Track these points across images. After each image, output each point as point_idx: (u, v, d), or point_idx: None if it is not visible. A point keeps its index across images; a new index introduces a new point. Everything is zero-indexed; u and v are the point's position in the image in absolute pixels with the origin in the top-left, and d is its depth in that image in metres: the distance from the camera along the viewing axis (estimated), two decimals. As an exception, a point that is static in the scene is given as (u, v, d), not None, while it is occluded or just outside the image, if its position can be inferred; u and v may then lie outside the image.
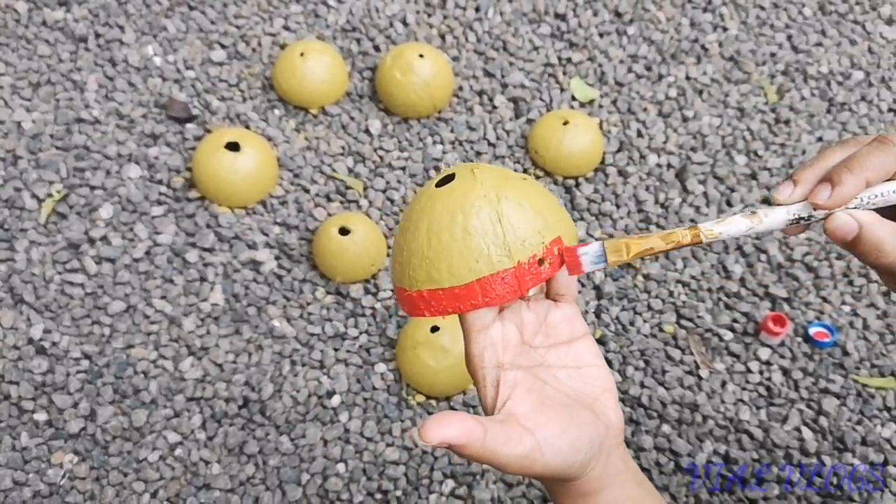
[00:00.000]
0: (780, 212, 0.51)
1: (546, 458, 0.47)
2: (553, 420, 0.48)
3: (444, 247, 0.50)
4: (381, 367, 1.11)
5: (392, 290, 1.16)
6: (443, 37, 1.38)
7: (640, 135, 1.30)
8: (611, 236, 1.22)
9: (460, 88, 1.33)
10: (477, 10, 1.41)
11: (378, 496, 1.04)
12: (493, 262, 0.49)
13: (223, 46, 1.34)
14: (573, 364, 0.53)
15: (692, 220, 1.23)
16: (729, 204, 1.25)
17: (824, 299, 1.18)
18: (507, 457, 0.46)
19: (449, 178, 0.52)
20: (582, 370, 0.53)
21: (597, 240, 0.56)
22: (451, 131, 1.29)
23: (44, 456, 1.03)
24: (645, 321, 1.16)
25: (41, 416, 1.05)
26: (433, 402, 1.09)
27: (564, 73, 1.35)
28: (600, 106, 1.33)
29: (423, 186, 0.53)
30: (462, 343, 1.05)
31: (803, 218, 0.51)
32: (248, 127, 1.27)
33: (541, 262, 0.51)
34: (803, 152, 1.29)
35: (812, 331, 1.14)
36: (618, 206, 1.24)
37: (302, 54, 1.26)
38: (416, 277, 0.51)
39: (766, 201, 1.25)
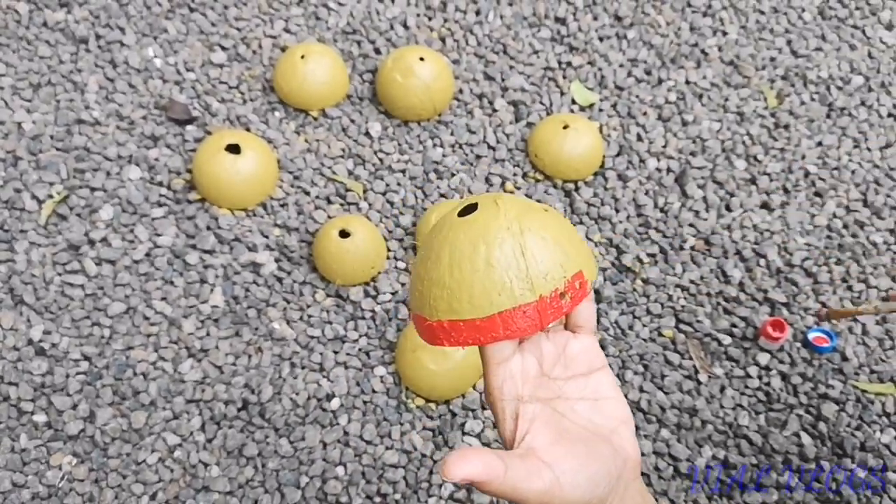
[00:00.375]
0: None
1: (564, 493, 0.47)
2: (572, 454, 0.49)
3: (466, 278, 0.50)
4: (380, 370, 1.11)
5: (392, 294, 1.16)
6: (443, 40, 1.38)
7: (639, 139, 1.31)
8: (610, 241, 1.22)
9: (460, 91, 1.33)
10: (477, 13, 1.41)
11: (377, 499, 1.04)
12: (515, 295, 0.49)
13: (224, 48, 1.34)
14: (591, 396, 0.53)
15: (691, 225, 1.23)
16: (728, 209, 1.25)
17: (823, 304, 1.18)
18: (526, 492, 0.46)
19: (471, 208, 0.52)
20: (599, 402, 0.53)
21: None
22: (452, 134, 1.29)
23: (43, 458, 1.03)
24: (644, 325, 1.16)
25: (40, 418, 1.05)
26: (432, 406, 1.09)
27: (564, 77, 1.36)
28: (600, 110, 1.33)
29: (443, 216, 0.53)
30: (462, 348, 1.06)
31: None
32: (248, 129, 1.27)
33: (562, 295, 0.50)
34: (803, 157, 1.30)
35: (811, 336, 1.14)
36: (617, 211, 1.24)
37: (302, 57, 1.26)
38: (437, 307, 0.51)
39: (766, 206, 1.25)
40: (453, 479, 0.44)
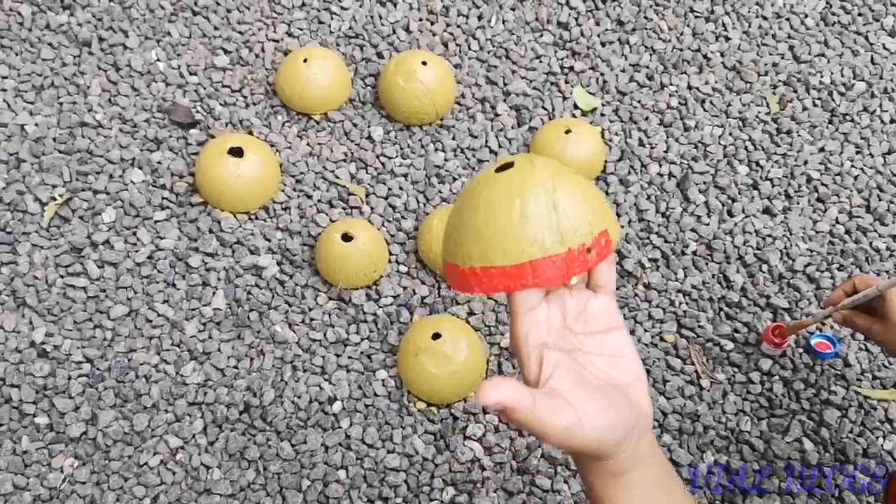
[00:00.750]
0: None
1: (585, 433, 0.50)
2: (592, 399, 0.51)
3: (501, 228, 0.52)
4: (382, 374, 1.11)
5: (394, 297, 1.16)
6: (445, 44, 1.38)
7: (641, 144, 1.31)
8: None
9: (462, 96, 1.33)
10: (479, 18, 1.41)
11: (378, 503, 1.03)
12: (545, 246, 0.52)
13: (227, 52, 1.34)
14: (609, 352, 0.55)
15: (693, 230, 1.23)
16: (730, 214, 1.25)
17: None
18: (551, 427, 0.49)
19: (508, 166, 0.54)
20: (616, 359, 0.55)
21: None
22: (453, 138, 1.29)
23: (44, 460, 1.03)
24: (646, 330, 1.16)
25: (42, 420, 1.05)
26: (434, 409, 1.09)
27: (566, 82, 1.36)
28: (602, 114, 1.33)
29: (479, 173, 0.55)
30: (464, 351, 1.06)
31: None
32: (251, 132, 1.27)
33: (588, 251, 0.53)
34: (805, 162, 1.30)
35: (813, 342, 1.14)
36: (619, 215, 1.24)
37: (305, 60, 1.26)
38: (471, 255, 0.54)
39: (768, 211, 1.25)
40: (487, 402, 0.47)
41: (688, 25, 1.43)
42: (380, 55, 1.36)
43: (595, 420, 0.51)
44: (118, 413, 1.06)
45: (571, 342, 0.55)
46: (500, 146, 1.29)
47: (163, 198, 1.20)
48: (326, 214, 1.21)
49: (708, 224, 1.24)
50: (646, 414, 0.55)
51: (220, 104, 1.29)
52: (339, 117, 1.30)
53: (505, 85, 1.34)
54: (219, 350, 1.11)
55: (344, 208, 1.22)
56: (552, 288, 0.56)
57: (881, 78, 1.39)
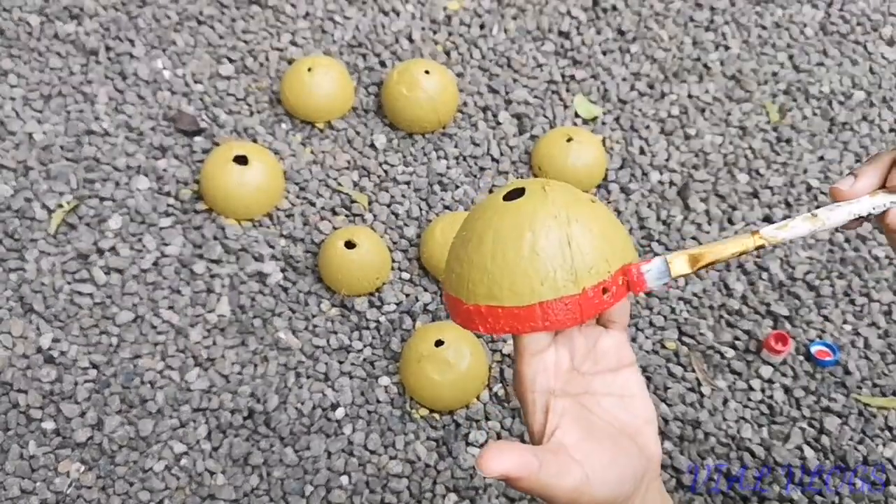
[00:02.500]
0: (841, 213, 0.55)
1: (594, 491, 0.47)
2: (601, 451, 0.49)
3: (509, 264, 0.49)
4: (385, 381, 1.12)
5: (396, 304, 1.17)
6: (448, 53, 1.40)
7: (642, 152, 1.32)
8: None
9: (465, 104, 1.34)
10: (482, 27, 1.42)
11: (381, 508, 1.04)
12: (558, 286, 0.48)
13: (231, 61, 1.36)
14: (618, 392, 0.52)
15: (693, 238, 1.24)
16: (731, 222, 1.26)
17: (826, 318, 1.19)
18: (557, 489, 0.46)
19: (517, 193, 0.51)
20: (625, 399, 0.52)
21: (656, 255, 0.57)
22: (456, 146, 1.30)
23: (51, 465, 1.04)
24: (647, 337, 1.17)
25: (49, 425, 1.06)
26: (436, 416, 1.10)
27: (568, 91, 1.37)
28: (603, 123, 1.34)
29: (487, 198, 0.52)
30: (467, 358, 1.07)
31: (862, 216, 0.55)
32: (255, 140, 1.28)
33: (605, 291, 0.49)
34: (805, 171, 1.31)
35: (814, 349, 1.15)
36: (620, 223, 1.25)
37: (309, 69, 1.27)
38: (475, 291, 0.50)
39: (768, 219, 1.26)
40: (490, 474, 0.44)
41: (688, 35, 1.44)
42: (383, 64, 1.37)
43: (604, 475, 0.48)
44: (123, 418, 1.07)
45: (579, 384, 0.52)
46: (501, 154, 1.30)
47: (168, 205, 1.22)
48: (329, 222, 1.22)
49: (708, 232, 1.25)
50: (655, 460, 0.52)
51: (225, 112, 1.31)
52: (342, 125, 1.31)
53: (507, 93, 1.36)
54: (223, 356, 1.12)
55: (347, 216, 1.24)
56: (563, 330, 0.52)
57: (880, 87, 1.40)
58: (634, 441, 0.51)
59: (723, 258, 0.53)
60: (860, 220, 0.56)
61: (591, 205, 0.51)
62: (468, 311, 0.51)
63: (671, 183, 1.29)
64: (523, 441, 1.08)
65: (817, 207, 0.59)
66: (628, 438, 0.51)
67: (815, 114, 1.37)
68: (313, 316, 1.16)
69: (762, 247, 0.54)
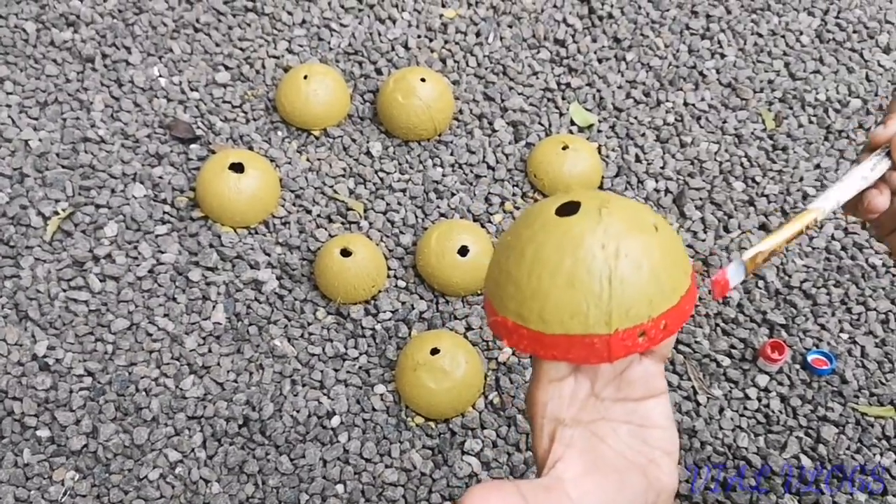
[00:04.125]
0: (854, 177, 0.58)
1: None
2: (601, 488, 0.46)
3: (543, 288, 0.46)
4: (380, 389, 1.12)
5: (392, 312, 1.17)
6: (444, 61, 1.40)
7: (638, 160, 1.32)
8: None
9: (460, 112, 1.34)
10: (477, 35, 1.43)
11: (376, 517, 1.04)
12: (588, 323, 0.45)
13: (227, 68, 1.36)
14: (638, 422, 0.49)
15: (689, 246, 1.24)
16: (727, 230, 1.26)
17: (822, 326, 1.19)
18: None
19: (573, 207, 0.47)
20: (645, 429, 0.49)
21: (730, 260, 0.57)
22: (451, 154, 1.30)
23: (46, 473, 1.04)
24: (643, 345, 1.16)
25: (44, 433, 1.06)
26: (432, 424, 1.10)
27: (563, 98, 1.37)
28: (599, 131, 1.34)
29: (540, 203, 0.49)
30: (462, 366, 1.06)
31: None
32: (251, 148, 1.28)
33: (642, 333, 0.46)
34: (801, 179, 1.31)
35: (810, 358, 1.15)
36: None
37: (305, 77, 1.27)
38: (507, 305, 0.48)
39: (764, 227, 1.26)
40: None
41: (683, 43, 1.44)
42: (378, 72, 1.37)
43: None
44: (118, 426, 1.07)
45: (595, 410, 0.49)
46: (497, 162, 1.30)
47: (164, 212, 1.22)
48: (325, 229, 1.22)
49: (704, 240, 1.25)
50: (667, 492, 0.49)
51: (221, 120, 1.31)
52: (338, 133, 1.31)
53: (502, 101, 1.36)
54: (218, 364, 1.12)
55: (343, 223, 1.23)
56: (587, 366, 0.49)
57: (876, 95, 1.40)
58: (645, 474, 0.48)
59: (784, 245, 0.54)
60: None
61: (650, 234, 0.47)
62: (497, 321, 0.49)
63: (667, 191, 1.29)
64: (519, 450, 1.08)
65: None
66: (638, 472, 0.48)
67: (811, 121, 1.37)
68: (309, 324, 1.16)
69: (815, 224, 0.55)
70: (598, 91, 1.38)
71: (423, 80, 1.27)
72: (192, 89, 1.33)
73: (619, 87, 1.39)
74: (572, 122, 1.35)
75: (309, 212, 1.24)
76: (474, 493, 0.42)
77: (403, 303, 1.18)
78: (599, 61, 1.42)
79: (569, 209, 0.47)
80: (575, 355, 0.46)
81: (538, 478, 0.48)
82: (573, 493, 0.46)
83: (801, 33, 1.47)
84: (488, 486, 0.43)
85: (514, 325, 0.48)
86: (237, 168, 1.18)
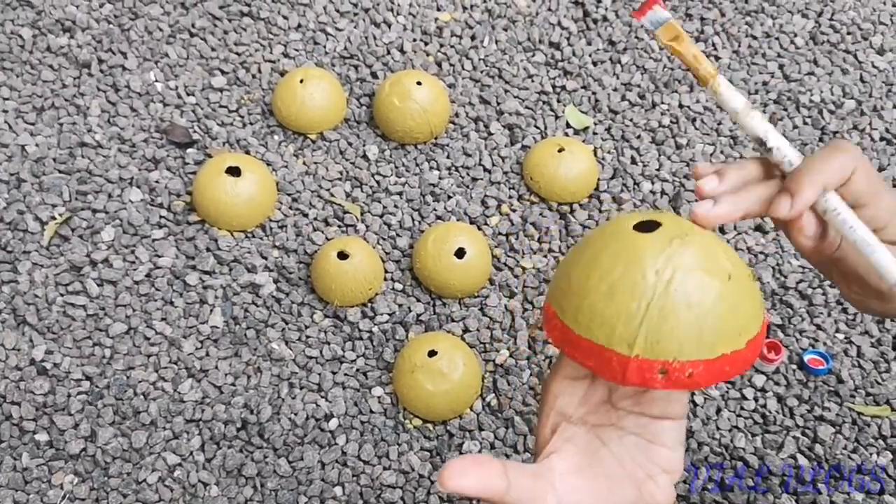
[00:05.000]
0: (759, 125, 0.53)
1: None
2: (588, 489, 0.46)
3: (586, 288, 0.45)
4: (378, 391, 1.12)
5: (389, 315, 1.17)
6: (439, 64, 1.40)
7: (633, 162, 1.32)
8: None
9: (456, 115, 1.35)
10: (473, 38, 1.43)
11: (375, 519, 1.04)
12: (612, 337, 0.44)
13: (223, 73, 1.36)
14: (647, 437, 0.48)
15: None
16: (722, 231, 1.26)
17: (818, 327, 1.19)
18: None
19: (652, 226, 0.46)
20: (653, 447, 0.48)
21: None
22: (448, 157, 1.31)
23: (44, 477, 1.04)
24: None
25: (42, 437, 1.06)
26: (430, 426, 1.10)
27: (559, 101, 1.38)
28: (594, 133, 1.35)
29: (625, 215, 0.49)
30: (460, 368, 1.07)
31: (763, 143, 0.53)
32: (247, 152, 1.28)
33: (663, 371, 0.44)
34: (795, 180, 1.31)
35: (807, 358, 1.15)
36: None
37: (301, 81, 1.28)
38: (554, 294, 0.48)
39: (759, 228, 1.27)
40: (446, 489, 0.41)
41: (679, 45, 1.44)
42: (374, 75, 1.38)
43: None
44: (117, 430, 1.07)
45: (606, 417, 0.49)
46: (493, 164, 1.30)
47: (161, 216, 1.22)
48: (322, 232, 1.23)
49: (700, 241, 1.25)
50: None
51: (218, 124, 1.31)
52: (334, 136, 1.31)
53: (498, 104, 1.36)
54: (216, 367, 1.12)
55: (339, 226, 1.24)
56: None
57: (870, 96, 1.41)
58: (639, 488, 0.47)
59: (685, 57, 0.53)
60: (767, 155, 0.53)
61: (716, 279, 0.44)
62: (545, 306, 0.49)
63: (663, 192, 1.30)
64: (517, 451, 1.08)
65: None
66: (631, 484, 0.47)
67: (805, 123, 1.38)
68: (306, 327, 1.16)
69: (704, 83, 0.53)
70: (594, 93, 1.38)
71: (418, 83, 1.27)
72: (188, 94, 1.33)
73: (615, 90, 1.39)
74: (568, 125, 1.35)
75: (306, 215, 1.24)
76: (454, 465, 0.42)
77: (400, 305, 1.18)
78: (594, 64, 1.42)
79: (649, 227, 0.46)
80: (593, 364, 0.45)
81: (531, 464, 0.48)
82: (559, 487, 0.46)
83: (796, 35, 1.47)
84: (469, 458, 0.42)
85: (553, 314, 0.48)
86: (234, 172, 1.19)
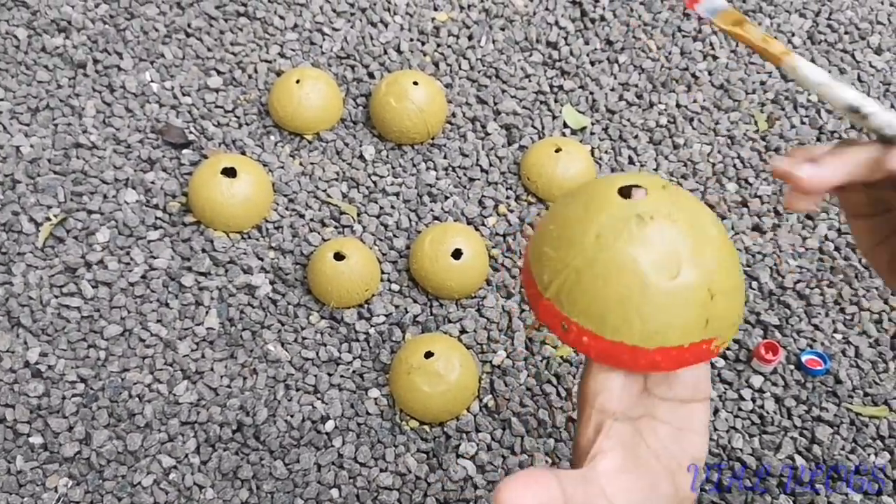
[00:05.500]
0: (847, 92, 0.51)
1: None
2: (636, 488, 0.46)
3: (544, 230, 0.47)
4: (374, 393, 1.11)
5: (386, 316, 1.17)
6: (436, 64, 1.40)
7: (631, 162, 1.32)
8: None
9: (453, 115, 1.34)
10: (470, 38, 1.43)
11: (371, 521, 1.04)
12: (541, 278, 0.47)
13: (220, 73, 1.36)
14: (678, 424, 0.49)
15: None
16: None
17: (816, 327, 1.19)
18: None
19: (634, 189, 0.47)
20: (683, 433, 0.49)
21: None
22: (445, 157, 1.30)
23: (39, 480, 1.03)
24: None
25: (36, 440, 1.05)
26: (427, 428, 1.09)
27: (556, 101, 1.37)
28: (592, 133, 1.34)
29: (620, 175, 0.48)
30: (457, 369, 1.06)
31: (857, 110, 0.50)
32: (243, 152, 1.28)
33: (564, 326, 0.46)
34: (793, 180, 1.31)
35: (804, 358, 1.15)
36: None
37: (297, 81, 1.27)
38: (530, 245, 0.49)
39: (757, 228, 1.26)
40: None
41: (676, 45, 1.44)
42: (371, 75, 1.37)
43: None
44: (112, 433, 1.07)
45: (644, 406, 0.49)
46: (490, 165, 1.30)
47: (156, 217, 1.21)
48: (318, 233, 1.22)
49: (698, 241, 1.25)
50: (689, 499, 0.49)
51: (214, 125, 1.30)
52: (330, 137, 1.31)
53: (495, 104, 1.36)
54: (212, 369, 1.11)
55: (336, 227, 1.23)
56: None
57: (868, 96, 1.40)
58: (674, 480, 0.48)
59: (754, 43, 0.51)
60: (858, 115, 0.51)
61: (649, 277, 0.45)
62: (524, 264, 0.50)
63: (660, 192, 1.29)
64: (514, 453, 1.08)
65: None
66: (668, 477, 0.48)
67: (803, 122, 1.38)
68: (302, 328, 1.15)
69: (778, 63, 0.51)
70: (591, 93, 1.38)
71: (415, 83, 1.27)
72: (184, 94, 1.33)
73: (612, 90, 1.39)
74: (565, 125, 1.35)
75: (302, 216, 1.24)
76: (510, 485, 0.41)
77: (397, 306, 1.18)
78: (592, 64, 1.42)
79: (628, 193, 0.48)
80: (528, 297, 0.48)
81: (575, 468, 0.48)
82: (608, 489, 0.45)
83: (793, 35, 1.47)
84: (525, 477, 0.42)
85: (530, 277, 0.49)
86: (230, 173, 1.18)
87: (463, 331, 1.16)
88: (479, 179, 1.29)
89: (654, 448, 0.48)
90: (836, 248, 1.26)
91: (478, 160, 1.30)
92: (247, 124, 1.31)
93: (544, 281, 0.46)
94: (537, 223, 0.48)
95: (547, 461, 1.08)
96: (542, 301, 0.47)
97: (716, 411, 1.12)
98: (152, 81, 1.33)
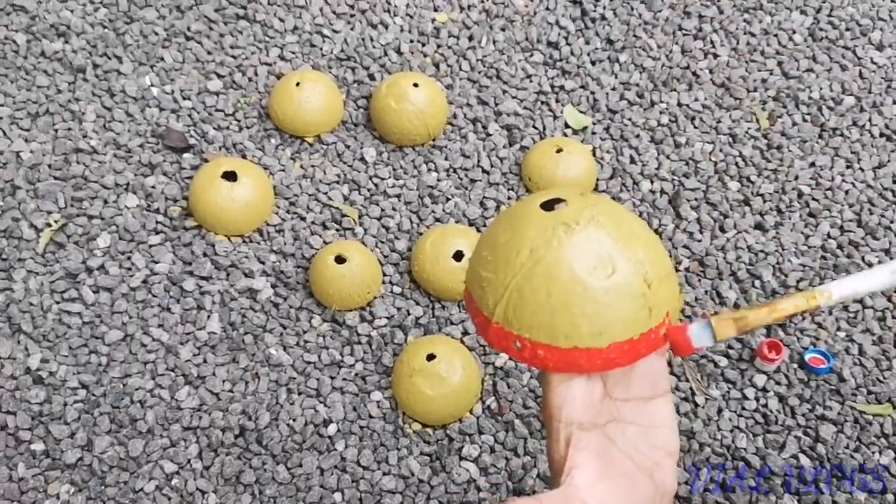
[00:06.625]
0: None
1: None
2: (614, 493, 0.47)
3: (477, 254, 0.49)
4: (376, 395, 1.11)
5: (388, 318, 1.16)
6: (437, 65, 1.39)
7: (632, 161, 1.31)
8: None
9: (454, 116, 1.34)
10: (470, 38, 1.42)
11: (374, 525, 1.04)
12: (483, 300, 0.48)
13: (220, 76, 1.35)
14: (644, 422, 0.50)
15: (685, 247, 1.24)
16: (722, 230, 1.25)
17: (819, 325, 1.18)
18: None
19: (556, 203, 0.49)
20: (651, 430, 0.50)
21: (700, 317, 0.53)
22: (446, 159, 1.30)
23: (41, 486, 1.03)
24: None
25: (38, 447, 1.05)
26: (429, 431, 1.09)
27: (557, 101, 1.37)
28: (593, 133, 1.34)
29: (542, 192, 0.50)
30: (459, 372, 1.06)
31: None
32: (244, 156, 1.28)
33: (518, 345, 0.48)
34: (796, 178, 1.30)
35: (808, 357, 1.14)
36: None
37: (298, 83, 1.27)
38: (471, 267, 0.51)
39: (760, 227, 1.26)
40: None
41: (676, 43, 1.44)
42: (371, 77, 1.37)
43: None
44: (113, 439, 1.06)
45: (608, 413, 0.50)
46: (492, 166, 1.30)
47: (157, 222, 1.21)
48: (320, 236, 1.22)
49: (700, 240, 1.24)
50: (668, 494, 0.50)
51: (214, 128, 1.30)
52: (331, 139, 1.30)
53: (496, 105, 1.35)
54: (213, 374, 1.11)
55: (337, 230, 1.23)
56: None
57: (870, 92, 1.40)
58: (651, 476, 0.49)
59: (763, 321, 0.49)
60: None
61: (587, 279, 0.47)
62: (470, 299, 0.52)
63: (662, 191, 1.29)
64: (517, 455, 1.07)
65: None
66: (645, 474, 0.49)
67: (804, 120, 1.37)
68: (304, 331, 1.15)
69: (818, 307, 0.49)
70: (592, 93, 1.38)
71: (415, 85, 1.26)
72: (184, 98, 1.33)
73: (613, 89, 1.38)
74: (566, 125, 1.34)
75: (303, 219, 1.23)
76: None
77: (399, 309, 1.17)
78: (593, 63, 1.41)
79: (552, 205, 0.49)
80: (475, 322, 0.50)
81: (554, 487, 0.48)
82: (590, 501, 0.47)
83: (794, 32, 1.46)
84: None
85: (469, 287, 0.52)
86: (230, 176, 1.18)
87: (465, 332, 1.16)
88: (480, 180, 1.28)
89: (626, 450, 0.49)
90: (839, 246, 1.25)
91: (479, 161, 1.30)
92: (247, 127, 1.31)
93: (489, 306, 0.48)
94: (471, 255, 0.49)
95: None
96: (490, 326, 0.48)
97: (719, 411, 1.11)
98: (152, 85, 1.33)
